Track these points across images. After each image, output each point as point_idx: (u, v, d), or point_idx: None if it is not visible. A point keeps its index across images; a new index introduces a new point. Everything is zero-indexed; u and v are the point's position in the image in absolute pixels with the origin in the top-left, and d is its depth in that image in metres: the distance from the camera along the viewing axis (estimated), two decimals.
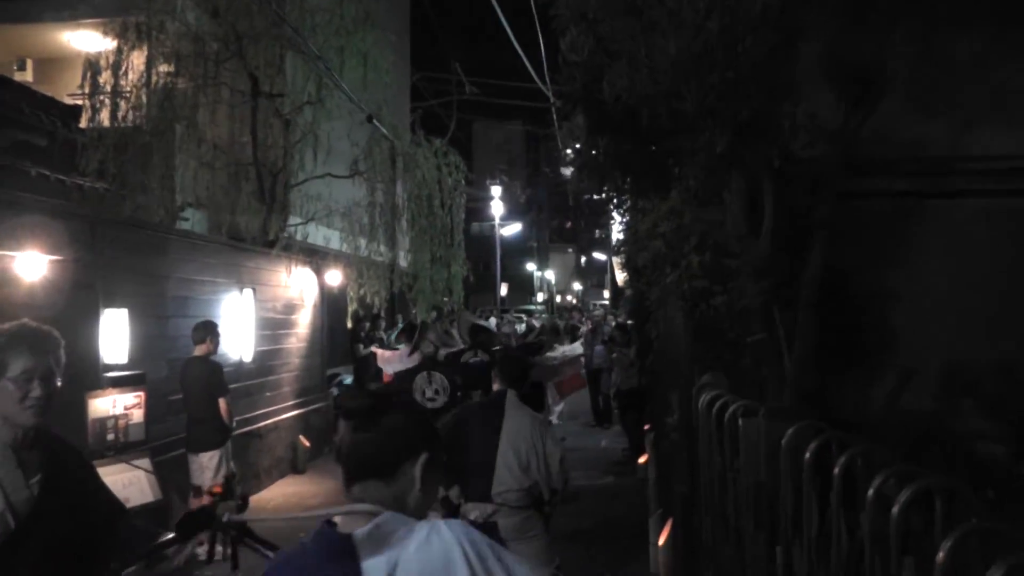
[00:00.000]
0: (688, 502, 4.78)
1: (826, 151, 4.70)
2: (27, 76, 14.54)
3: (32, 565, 2.50)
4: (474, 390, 9.31)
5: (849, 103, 4.65)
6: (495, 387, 4.92)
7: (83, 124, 10.40)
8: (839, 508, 2.21)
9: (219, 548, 2.60)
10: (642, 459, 8.26)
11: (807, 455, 2.39)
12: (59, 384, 2.59)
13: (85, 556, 2.64)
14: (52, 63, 13.77)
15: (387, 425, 1.78)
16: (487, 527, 4.57)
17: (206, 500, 2.65)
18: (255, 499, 9.40)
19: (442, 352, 7.53)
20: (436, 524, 1.70)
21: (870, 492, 1.91)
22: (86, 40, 10.80)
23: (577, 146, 6.80)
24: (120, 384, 6.52)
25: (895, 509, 1.68)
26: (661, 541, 5.03)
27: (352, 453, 1.79)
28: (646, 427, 9.31)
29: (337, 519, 1.76)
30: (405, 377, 7.46)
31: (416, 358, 10.07)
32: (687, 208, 5.09)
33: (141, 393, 6.56)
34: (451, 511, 4.86)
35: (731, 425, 3.18)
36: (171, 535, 2.51)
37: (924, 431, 4.66)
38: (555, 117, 13.82)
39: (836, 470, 2.19)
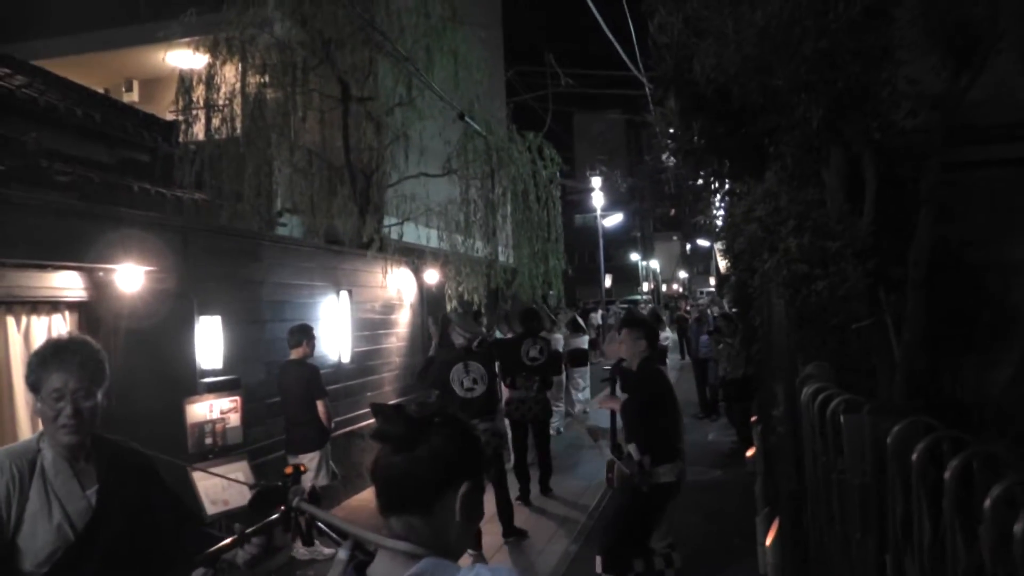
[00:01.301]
0: (796, 501, 4.51)
1: (930, 119, 4.36)
2: (133, 96, 15.24)
3: (94, 574, 2.47)
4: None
5: (954, 65, 4.29)
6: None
7: (181, 139, 10.67)
8: (953, 517, 1.96)
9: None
10: (750, 452, 7.93)
11: (914, 456, 2.14)
12: (101, 399, 2.54)
13: (147, 564, 2.61)
14: (156, 83, 14.31)
15: (426, 453, 1.61)
16: (675, 487, 5.35)
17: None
18: (358, 498, 9.45)
19: (475, 343, 7.51)
20: (479, 572, 1.55)
21: (987, 503, 1.66)
22: (184, 59, 11.06)
23: (672, 131, 6.58)
24: (216, 389, 6.61)
25: (1018, 527, 1.43)
26: (768, 541, 4.77)
27: (387, 482, 1.63)
28: (753, 419, 8.97)
29: (375, 554, 1.63)
30: (442, 369, 7.36)
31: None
32: (783, 189, 4.81)
33: (237, 397, 6.64)
34: (643, 478, 5.24)
35: (834, 421, 2.92)
36: (232, 537, 2.43)
37: None
38: (650, 102, 13.53)
39: (948, 474, 1.94)
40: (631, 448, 5.27)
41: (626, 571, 5.32)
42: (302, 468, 2.64)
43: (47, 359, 2.51)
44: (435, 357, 8.11)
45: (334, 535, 2.29)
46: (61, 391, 2.46)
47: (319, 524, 2.36)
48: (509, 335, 10.18)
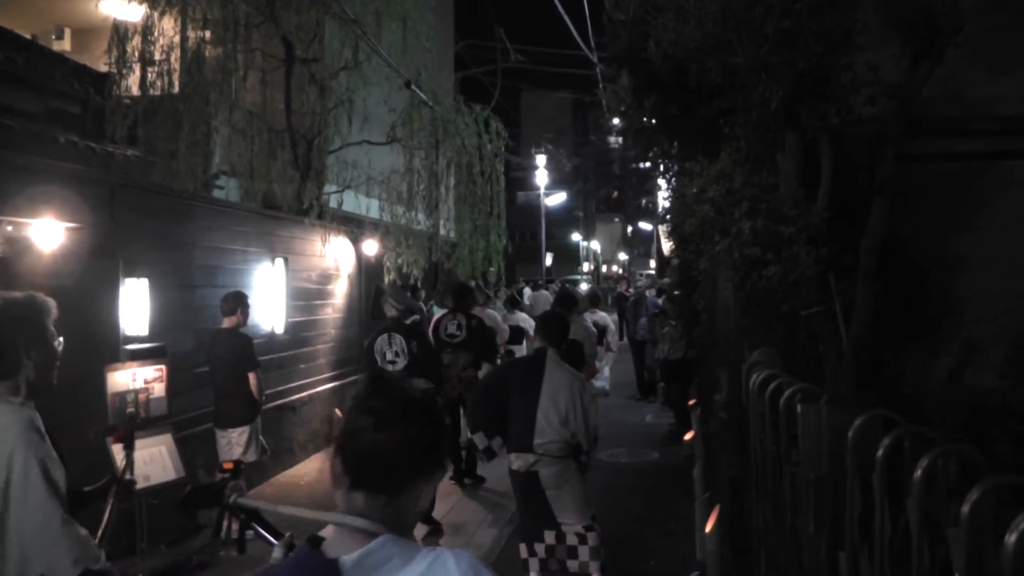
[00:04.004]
0: (738, 487, 4.45)
1: (888, 108, 4.29)
2: (65, 45, 14.55)
3: None
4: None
5: (913, 54, 4.23)
6: (531, 346, 5.36)
7: (116, 92, 10.21)
8: (921, 522, 1.86)
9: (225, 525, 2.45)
10: (688, 436, 7.91)
11: (879, 452, 2.03)
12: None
13: None
14: (90, 32, 13.65)
15: (413, 434, 1.59)
16: (529, 476, 5.11)
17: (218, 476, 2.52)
18: (289, 474, 9.24)
19: (410, 318, 7.56)
20: (441, 554, 1.53)
21: (965, 509, 1.56)
22: (120, 8, 10.55)
23: (623, 109, 6.45)
24: (140, 357, 6.27)
25: (1010, 538, 1.32)
26: (708, 528, 4.70)
27: (363, 458, 1.57)
28: (691, 402, 8.97)
29: (326, 531, 1.57)
30: (370, 340, 7.38)
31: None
32: (738, 171, 4.70)
33: (163, 366, 6.29)
34: (490, 457, 5.43)
35: (787, 411, 2.82)
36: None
37: (988, 409, 4.28)
38: (600, 81, 13.41)
39: (917, 473, 1.84)
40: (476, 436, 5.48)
41: (534, 541, 5.24)
42: (242, 465, 2.56)
43: None
44: None
45: (269, 537, 2.19)
46: None
47: (254, 526, 2.26)
48: (439, 313, 9.93)
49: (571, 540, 5.19)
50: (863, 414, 2.29)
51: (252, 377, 7.11)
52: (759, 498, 3.66)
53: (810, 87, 4.16)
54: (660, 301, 13.83)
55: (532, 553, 5.24)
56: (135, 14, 10.13)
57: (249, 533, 2.29)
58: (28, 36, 12.77)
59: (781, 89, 4.05)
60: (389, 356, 7.20)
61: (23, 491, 2.53)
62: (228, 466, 2.53)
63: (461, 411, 8.81)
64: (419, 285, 11.51)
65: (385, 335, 7.27)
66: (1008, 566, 1.31)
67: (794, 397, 2.75)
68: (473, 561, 1.53)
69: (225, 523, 2.42)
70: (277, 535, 2.17)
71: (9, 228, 5.81)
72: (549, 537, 5.19)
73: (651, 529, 7.10)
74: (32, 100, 9.77)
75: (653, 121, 6.21)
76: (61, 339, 2.88)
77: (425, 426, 1.61)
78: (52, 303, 2.84)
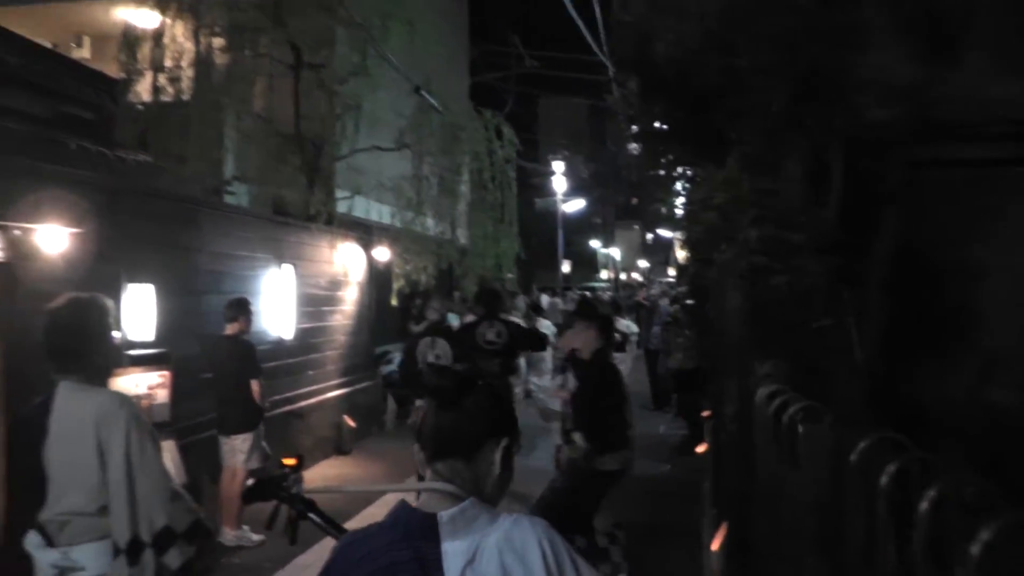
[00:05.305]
0: (744, 506, 4.28)
1: (899, 111, 4.12)
2: (84, 53, 14.68)
3: None
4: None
5: (927, 55, 4.06)
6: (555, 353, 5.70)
7: (129, 98, 10.20)
8: (925, 557, 1.70)
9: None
10: (700, 448, 7.76)
11: (883, 479, 1.88)
12: None
13: None
14: (109, 40, 13.69)
15: (472, 406, 1.79)
16: (615, 475, 5.47)
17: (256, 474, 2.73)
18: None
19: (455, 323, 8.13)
20: (519, 518, 1.73)
21: (974, 551, 1.41)
22: (135, 15, 10.54)
23: (631, 114, 6.31)
24: (143, 362, 6.23)
25: None
26: (715, 546, 4.55)
27: (435, 432, 1.80)
28: (705, 414, 8.80)
29: (413, 499, 1.79)
30: (412, 342, 7.77)
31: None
32: (744, 177, 4.54)
33: (166, 372, 6.27)
34: (589, 460, 5.38)
35: (790, 429, 2.66)
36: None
37: (1010, 428, 4.10)
38: (614, 85, 13.26)
39: (923, 505, 1.68)
40: (577, 436, 5.38)
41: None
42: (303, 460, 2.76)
43: None
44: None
45: (331, 530, 2.38)
46: None
47: (311, 517, 2.46)
48: (468, 318, 9.85)
49: (601, 542, 5.50)
50: (869, 436, 2.13)
51: (254, 384, 7.06)
52: (764, 519, 3.50)
53: (813, 90, 4.00)
54: (672, 310, 13.64)
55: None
56: (149, 21, 10.12)
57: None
58: (49, 44, 12.91)
59: (783, 91, 3.90)
60: (430, 359, 7.44)
61: (141, 460, 3.01)
62: (294, 461, 2.67)
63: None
64: (430, 292, 11.41)
65: (428, 339, 7.55)
66: None
67: (797, 416, 2.59)
68: (546, 525, 1.72)
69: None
70: (334, 525, 2.42)
71: (17, 232, 5.79)
72: (579, 541, 5.29)
73: (658, 544, 6.93)
74: (47, 106, 9.76)
75: (663, 126, 6.08)
76: (118, 333, 3.35)
77: (484, 400, 1.81)
78: (111, 303, 3.26)
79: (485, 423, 1.80)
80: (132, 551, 2.97)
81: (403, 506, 1.77)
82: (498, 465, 1.79)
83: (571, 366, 6.05)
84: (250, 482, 2.74)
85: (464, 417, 1.78)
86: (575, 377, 5.88)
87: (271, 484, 2.53)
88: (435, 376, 1.86)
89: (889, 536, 1.97)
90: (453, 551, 1.64)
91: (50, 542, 3.02)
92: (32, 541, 3.05)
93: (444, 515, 1.67)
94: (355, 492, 7.08)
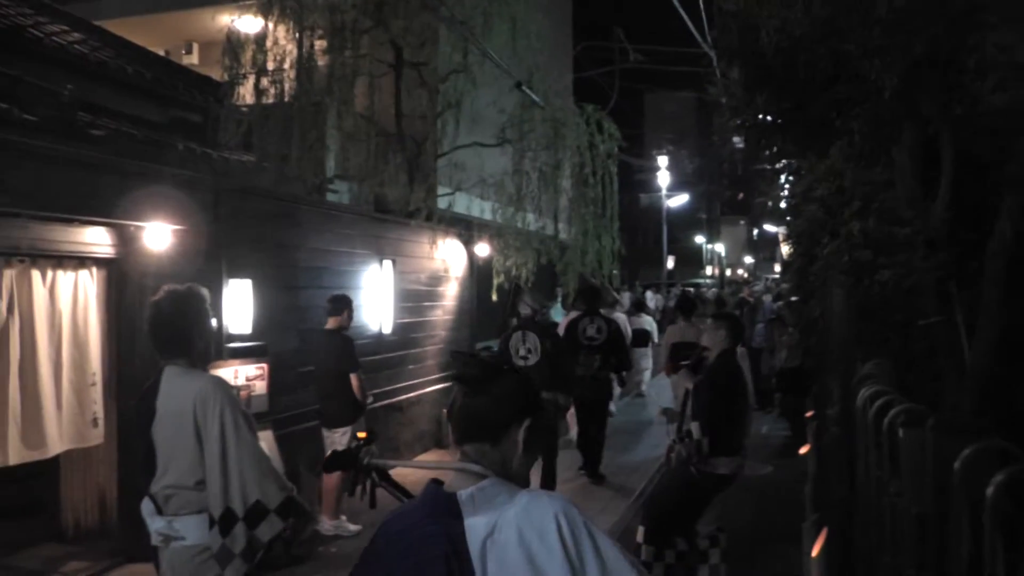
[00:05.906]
0: (846, 513, 4.10)
1: (1021, 96, 3.86)
2: (193, 58, 15.32)
3: None
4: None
5: None
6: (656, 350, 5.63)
7: (233, 100, 10.51)
8: None
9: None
10: (803, 449, 7.50)
11: (989, 490, 1.74)
12: None
13: None
14: (216, 46, 14.20)
15: (497, 390, 1.87)
16: (725, 480, 5.35)
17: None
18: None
19: (539, 316, 8.11)
20: (538, 494, 1.81)
21: None
22: (244, 22, 10.87)
23: (734, 105, 6.13)
24: (242, 355, 6.42)
25: None
26: (815, 552, 4.37)
27: (464, 415, 1.89)
28: (809, 414, 8.51)
29: (446, 477, 1.88)
30: (505, 336, 7.96)
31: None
32: (848, 167, 4.34)
33: (264, 364, 6.45)
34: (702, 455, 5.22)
35: (891, 433, 2.52)
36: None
37: None
38: (718, 75, 12.97)
39: None
40: (694, 426, 5.27)
41: (666, 547, 5.36)
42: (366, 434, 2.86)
43: None
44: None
45: (401, 497, 2.53)
46: None
47: (384, 485, 2.63)
48: (572, 314, 9.84)
49: (702, 545, 5.44)
50: (975, 442, 1.99)
51: (354, 378, 7.12)
52: (865, 528, 3.34)
53: (930, 72, 3.78)
54: (776, 307, 13.29)
55: (659, 557, 5.34)
56: (253, 26, 10.41)
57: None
58: (161, 52, 13.46)
59: (896, 76, 3.69)
60: (522, 352, 7.61)
61: (235, 437, 3.25)
62: (363, 435, 2.83)
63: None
64: (521, 287, 11.42)
65: (520, 332, 7.72)
66: None
67: (898, 419, 2.44)
68: (565, 500, 1.78)
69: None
70: (404, 492, 2.56)
71: (127, 230, 6.06)
72: (681, 544, 5.33)
73: (757, 548, 6.73)
74: (158, 111, 10.18)
75: (766, 117, 5.89)
76: (215, 320, 3.64)
77: (509, 385, 1.89)
78: (206, 291, 3.50)
79: (510, 408, 1.88)
80: (225, 523, 3.22)
81: (431, 486, 1.86)
82: (521, 444, 1.88)
83: (697, 364, 5.96)
84: (328, 453, 2.89)
85: (490, 402, 1.87)
86: (696, 372, 5.84)
87: (347, 456, 2.69)
88: (462, 363, 1.94)
89: (997, 553, 1.82)
90: (474, 526, 1.73)
91: (159, 511, 3.29)
92: (146, 508, 3.33)
93: (463, 494, 1.78)
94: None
